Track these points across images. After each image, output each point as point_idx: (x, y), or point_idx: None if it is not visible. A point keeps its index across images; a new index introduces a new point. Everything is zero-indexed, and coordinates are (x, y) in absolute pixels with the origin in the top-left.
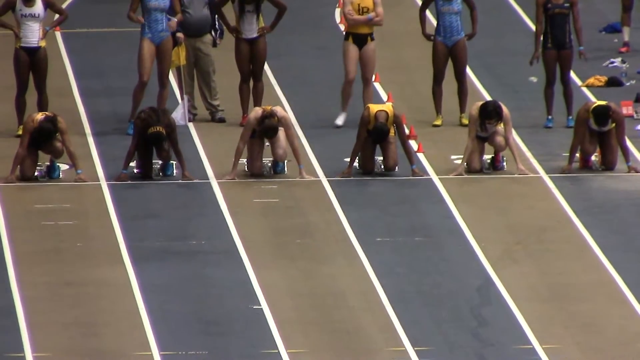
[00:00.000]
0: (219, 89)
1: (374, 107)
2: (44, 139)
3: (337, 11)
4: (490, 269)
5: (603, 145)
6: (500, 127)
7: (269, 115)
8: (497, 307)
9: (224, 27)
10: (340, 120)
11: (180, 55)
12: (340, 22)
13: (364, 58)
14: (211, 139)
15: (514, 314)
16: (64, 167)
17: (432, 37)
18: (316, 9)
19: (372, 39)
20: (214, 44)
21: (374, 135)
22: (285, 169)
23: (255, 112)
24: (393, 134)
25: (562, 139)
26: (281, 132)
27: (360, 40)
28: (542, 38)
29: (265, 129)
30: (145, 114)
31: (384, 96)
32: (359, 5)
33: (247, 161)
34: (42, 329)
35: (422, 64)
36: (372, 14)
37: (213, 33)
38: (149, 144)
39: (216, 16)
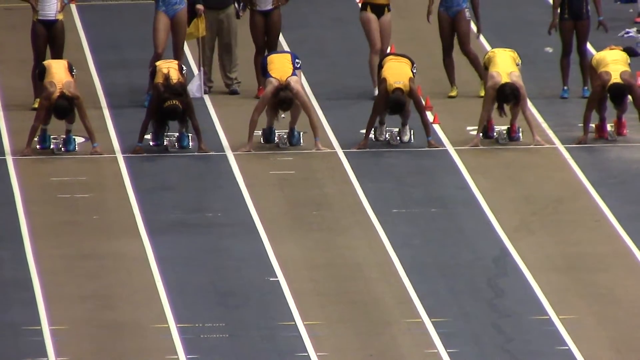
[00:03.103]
0: (242, 61)
1: (390, 80)
2: (59, 116)
3: None
4: (506, 239)
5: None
6: None
7: (284, 88)
8: (514, 278)
9: None
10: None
11: (199, 27)
12: None
13: (382, 29)
14: (227, 111)
15: (530, 285)
16: (79, 139)
17: (429, 16)
18: None
19: (389, 10)
20: (237, 16)
21: (392, 106)
22: (301, 140)
23: (271, 84)
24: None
25: (578, 110)
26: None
27: (378, 10)
28: (559, 9)
29: (281, 100)
30: (161, 86)
31: None
32: None
33: (262, 132)
34: (59, 302)
35: (437, 35)
36: None
37: (236, 5)
38: (164, 117)
39: None
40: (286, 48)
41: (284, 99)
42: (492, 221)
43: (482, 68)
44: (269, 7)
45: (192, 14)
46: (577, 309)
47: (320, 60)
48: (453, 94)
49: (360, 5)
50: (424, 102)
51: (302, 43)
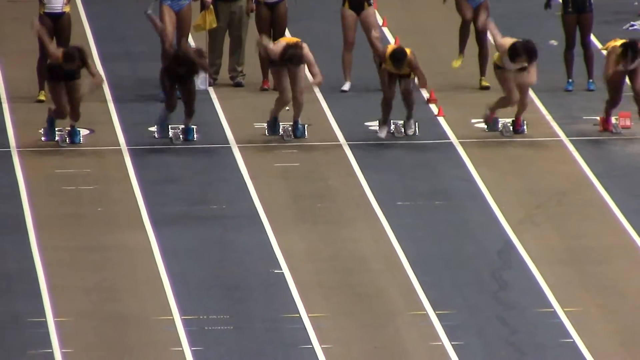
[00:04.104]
0: (250, 54)
1: (391, 46)
2: (67, 59)
3: None
4: (510, 232)
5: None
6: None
7: (293, 45)
8: (518, 270)
9: None
10: (346, 87)
11: (207, 20)
12: None
13: (365, 23)
14: (231, 103)
15: (535, 277)
16: (84, 132)
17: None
18: None
19: (370, 4)
20: (248, 14)
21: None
22: (306, 133)
23: (280, 42)
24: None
25: (583, 102)
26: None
27: (357, 5)
28: (562, 1)
29: (290, 56)
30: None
31: None
32: None
33: (267, 124)
34: (63, 294)
35: (442, 28)
36: None
37: None
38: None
39: None
40: None
41: (293, 55)
42: (497, 214)
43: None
44: None
45: (200, 7)
46: (582, 302)
47: (324, 53)
48: (457, 64)
49: None
50: (427, 95)
51: (306, 35)
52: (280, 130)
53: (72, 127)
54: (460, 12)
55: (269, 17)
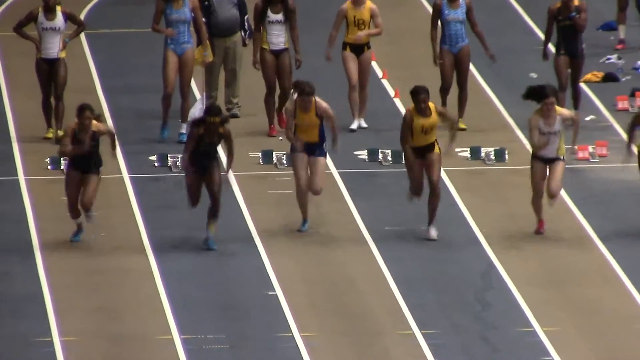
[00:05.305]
0: (245, 86)
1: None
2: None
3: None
4: (492, 255)
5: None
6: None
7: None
8: (500, 292)
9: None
10: (354, 125)
11: (202, 55)
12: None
13: (361, 66)
14: None
15: (516, 298)
16: None
17: (438, 60)
18: (327, 10)
19: (369, 48)
20: (243, 44)
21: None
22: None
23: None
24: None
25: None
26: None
27: (358, 50)
28: (555, 45)
29: (299, 84)
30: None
31: (392, 92)
32: (354, 17)
33: (261, 153)
34: (69, 315)
35: (428, 61)
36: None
37: (242, 33)
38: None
39: (245, 17)
40: None
41: (302, 84)
42: (479, 237)
43: (465, 104)
44: (281, 47)
45: (198, 42)
46: (560, 322)
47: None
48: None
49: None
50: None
51: (299, 70)
52: (274, 159)
53: (80, 226)
54: (442, 73)
55: (274, 64)
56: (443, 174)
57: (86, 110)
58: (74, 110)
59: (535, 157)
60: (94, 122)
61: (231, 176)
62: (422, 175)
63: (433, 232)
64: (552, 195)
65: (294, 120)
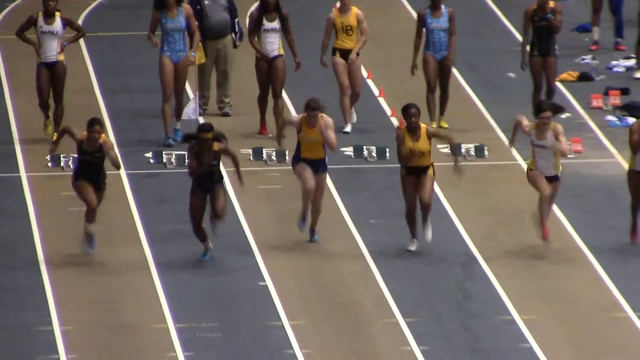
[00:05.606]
0: (236, 86)
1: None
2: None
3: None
4: (474, 247)
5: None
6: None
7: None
8: (480, 282)
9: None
10: (348, 128)
11: (197, 56)
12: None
13: (350, 71)
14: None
15: (496, 288)
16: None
17: (415, 69)
18: (315, 13)
19: (358, 54)
20: (234, 45)
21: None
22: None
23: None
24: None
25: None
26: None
27: (346, 55)
28: (529, 47)
29: (311, 102)
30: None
31: (376, 91)
32: (342, 24)
33: (252, 150)
34: (69, 305)
35: (410, 62)
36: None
37: (233, 35)
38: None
39: (236, 20)
40: None
41: (309, 102)
42: (461, 230)
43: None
44: (275, 54)
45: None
46: (538, 310)
47: (304, 86)
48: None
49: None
50: (397, 123)
51: (287, 70)
52: (264, 155)
53: (90, 235)
54: (426, 75)
55: (266, 71)
56: None
57: (95, 125)
58: (73, 111)
59: (533, 170)
60: (103, 135)
61: (243, 189)
62: (415, 195)
63: (429, 233)
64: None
65: (299, 136)
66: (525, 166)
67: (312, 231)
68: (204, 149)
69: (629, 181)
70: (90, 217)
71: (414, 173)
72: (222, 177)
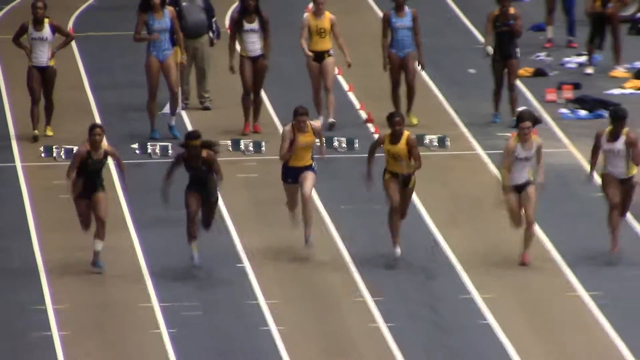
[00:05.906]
0: (214, 83)
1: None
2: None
3: (306, 15)
4: (436, 232)
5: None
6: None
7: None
8: (443, 264)
9: (221, 29)
10: (321, 120)
11: (178, 54)
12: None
13: (324, 71)
14: (201, 124)
15: (456, 269)
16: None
17: (388, 66)
18: (291, 14)
19: (330, 55)
20: (211, 44)
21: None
22: (263, 147)
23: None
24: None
25: (498, 126)
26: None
27: (320, 57)
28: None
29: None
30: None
31: (345, 86)
32: (317, 26)
33: (231, 141)
34: (61, 285)
35: (378, 60)
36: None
37: (210, 34)
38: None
39: (213, 19)
40: None
41: (297, 108)
42: (424, 216)
43: (413, 100)
44: (257, 53)
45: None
46: (497, 290)
47: (278, 82)
48: (414, 120)
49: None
50: (365, 116)
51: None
52: (242, 146)
53: (96, 256)
54: (391, 74)
55: (251, 69)
56: None
57: (96, 128)
58: (65, 107)
59: (506, 188)
60: (104, 143)
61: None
62: (397, 191)
63: (398, 251)
64: (531, 222)
65: (295, 144)
66: (484, 155)
67: (307, 238)
68: (192, 155)
69: (606, 185)
70: (85, 227)
71: (397, 177)
72: (215, 186)
